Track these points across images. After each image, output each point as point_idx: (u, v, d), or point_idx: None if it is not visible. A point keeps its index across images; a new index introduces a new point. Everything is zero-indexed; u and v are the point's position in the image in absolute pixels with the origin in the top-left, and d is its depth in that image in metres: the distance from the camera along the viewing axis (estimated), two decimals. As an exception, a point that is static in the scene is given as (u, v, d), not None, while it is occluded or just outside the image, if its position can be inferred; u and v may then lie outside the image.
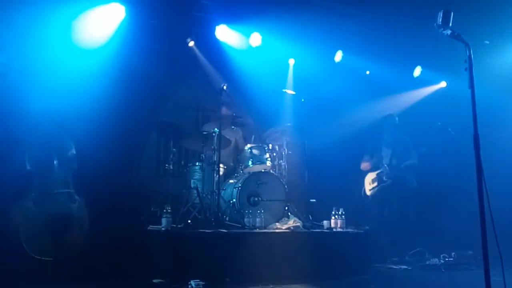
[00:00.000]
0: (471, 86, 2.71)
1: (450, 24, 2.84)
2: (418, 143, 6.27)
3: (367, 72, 7.23)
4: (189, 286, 3.86)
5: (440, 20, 2.84)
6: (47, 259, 3.97)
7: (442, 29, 2.85)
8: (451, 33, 2.84)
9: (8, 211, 4.06)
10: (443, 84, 7.45)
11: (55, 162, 4.17)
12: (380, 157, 6.31)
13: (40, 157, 4.09)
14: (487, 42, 6.48)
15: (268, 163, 5.51)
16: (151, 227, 4.92)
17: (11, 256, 4.00)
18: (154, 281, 3.95)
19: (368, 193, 6.33)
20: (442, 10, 2.85)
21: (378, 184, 6.24)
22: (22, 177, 4.09)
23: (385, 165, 6.21)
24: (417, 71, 7.25)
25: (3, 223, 4.05)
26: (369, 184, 6.37)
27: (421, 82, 7.37)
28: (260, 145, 5.70)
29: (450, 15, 2.84)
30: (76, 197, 4.24)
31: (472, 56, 2.83)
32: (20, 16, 4.47)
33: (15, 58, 4.17)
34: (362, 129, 6.83)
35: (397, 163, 6.18)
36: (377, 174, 6.28)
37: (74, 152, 4.31)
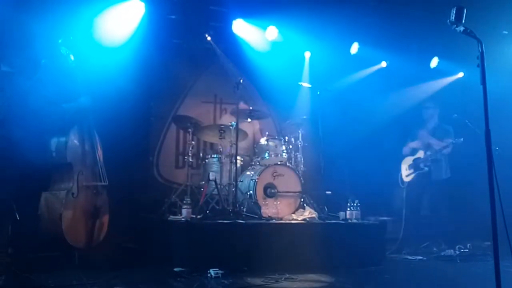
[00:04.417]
0: (483, 83, 2.75)
1: (463, 21, 2.88)
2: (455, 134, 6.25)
3: (383, 64, 7.22)
4: (208, 275, 3.99)
5: (453, 17, 2.88)
6: (78, 246, 4.16)
7: (455, 25, 2.89)
8: (463, 30, 2.88)
9: (46, 198, 4.24)
10: (460, 74, 7.39)
11: (87, 158, 4.36)
12: (422, 142, 6.34)
13: (76, 151, 4.29)
14: (505, 32, 6.41)
15: (285, 156, 5.61)
16: (171, 217, 5.08)
17: (40, 243, 4.19)
18: (175, 269, 4.08)
19: (406, 179, 6.34)
20: (455, 7, 2.89)
21: (415, 171, 6.26)
22: (57, 168, 4.26)
23: (423, 152, 6.24)
24: (434, 62, 7.20)
25: (37, 212, 4.24)
26: (405, 170, 6.40)
27: (438, 73, 7.32)
28: (277, 137, 5.81)
29: (463, 12, 2.87)
30: (102, 190, 4.42)
31: (486, 49, 2.86)
32: (48, 14, 4.64)
33: (46, 56, 4.34)
34: (378, 121, 6.86)
35: (432, 152, 6.20)
36: (414, 160, 6.30)
37: (101, 151, 4.49)
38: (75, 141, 4.29)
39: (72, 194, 4.15)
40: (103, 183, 4.38)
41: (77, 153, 4.27)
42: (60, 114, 4.29)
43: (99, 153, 4.46)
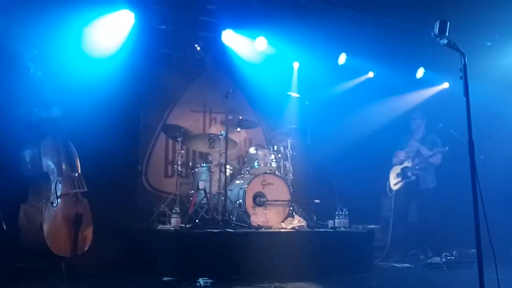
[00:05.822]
0: (466, 94, 2.83)
1: (447, 34, 2.95)
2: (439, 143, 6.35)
3: (371, 74, 7.34)
4: (198, 284, 3.99)
5: (437, 30, 2.95)
6: (65, 256, 4.12)
7: (438, 38, 2.97)
8: (447, 43, 2.95)
9: (25, 210, 4.22)
10: (445, 85, 7.54)
11: (63, 167, 4.37)
12: (410, 151, 6.43)
13: (51, 160, 4.30)
14: (489, 43, 6.58)
15: (274, 164, 5.66)
16: (160, 226, 5.08)
17: (26, 253, 4.15)
18: (164, 279, 4.07)
19: (394, 188, 6.42)
20: (438, 20, 2.96)
21: (403, 179, 6.33)
22: (34, 179, 4.26)
23: (411, 161, 6.33)
24: (420, 73, 7.34)
25: (18, 223, 4.21)
26: (393, 178, 6.47)
27: (424, 83, 7.46)
28: (266, 146, 5.86)
29: (447, 25, 2.94)
30: (82, 197, 4.42)
31: (470, 61, 2.94)
32: (37, 25, 4.65)
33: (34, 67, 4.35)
34: (366, 130, 6.95)
35: (420, 160, 6.29)
36: (402, 169, 6.39)
37: (78, 159, 4.51)
38: (49, 151, 4.31)
39: (52, 203, 4.17)
40: (82, 190, 4.39)
41: (52, 163, 4.29)
42: (31, 125, 4.33)
43: (77, 161, 4.48)
